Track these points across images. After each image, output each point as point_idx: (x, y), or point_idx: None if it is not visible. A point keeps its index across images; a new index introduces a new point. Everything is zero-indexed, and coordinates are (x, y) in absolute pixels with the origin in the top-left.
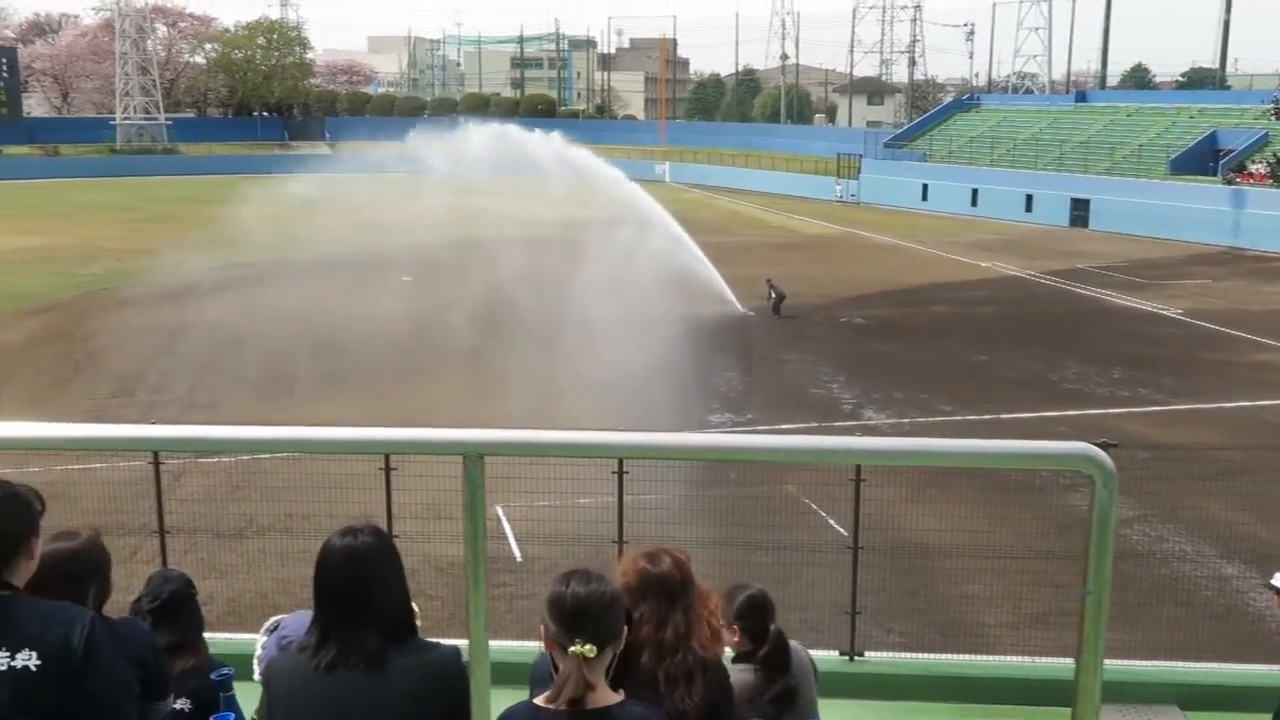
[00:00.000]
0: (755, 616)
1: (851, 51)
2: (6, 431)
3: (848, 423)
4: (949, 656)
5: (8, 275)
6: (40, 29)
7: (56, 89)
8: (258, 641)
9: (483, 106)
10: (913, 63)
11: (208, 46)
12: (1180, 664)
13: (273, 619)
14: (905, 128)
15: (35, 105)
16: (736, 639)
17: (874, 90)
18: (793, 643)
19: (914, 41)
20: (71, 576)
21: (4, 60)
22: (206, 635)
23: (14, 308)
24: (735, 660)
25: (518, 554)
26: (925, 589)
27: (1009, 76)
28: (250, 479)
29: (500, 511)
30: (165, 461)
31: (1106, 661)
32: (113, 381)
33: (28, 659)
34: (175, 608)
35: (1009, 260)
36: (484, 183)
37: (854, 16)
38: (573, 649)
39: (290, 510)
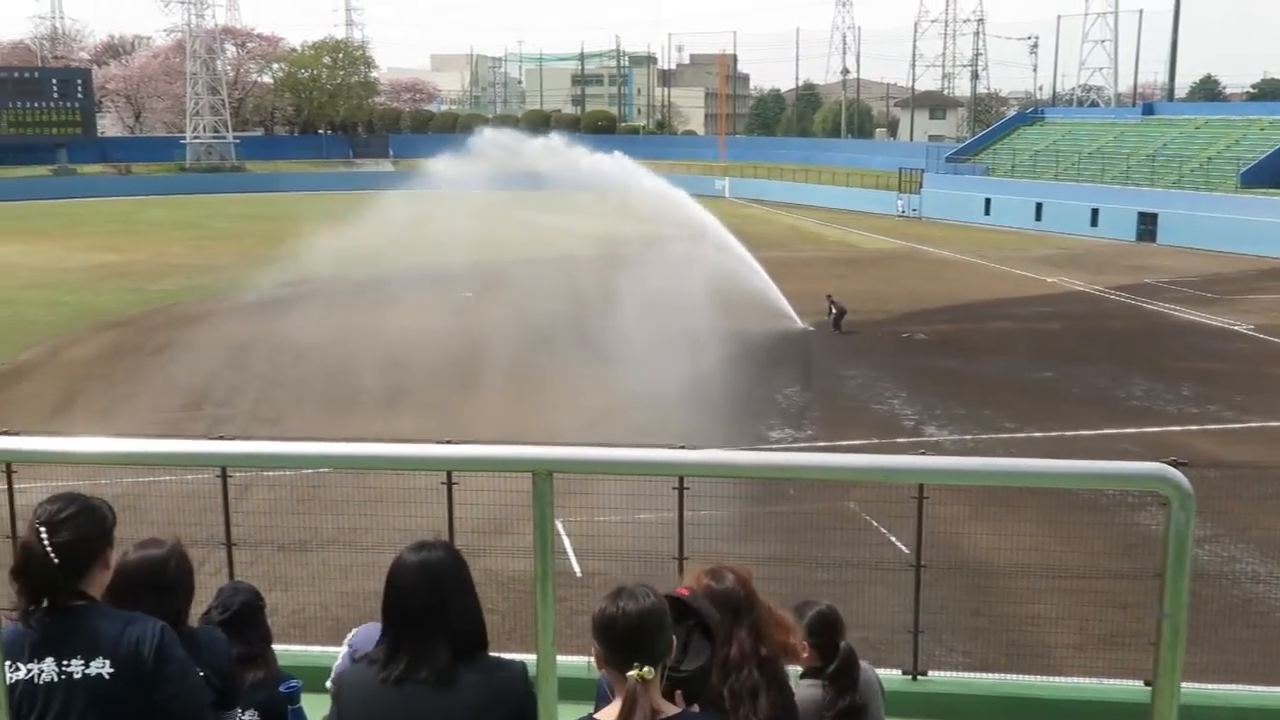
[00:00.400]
0: (825, 632)
1: (913, 65)
2: (80, 446)
3: (909, 439)
4: (1014, 677)
5: (82, 291)
6: (114, 51)
7: (129, 109)
8: (341, 653)
9: (544, 123)
10: (975, 76)
11: (275, 66)
12: (1252, 687)
13: (354, 630)
14: (968, 142)
15: (109, 125)
16: (806, 654)
17: (936, 104)
18: (860, 661)
19: (976, 55)
20: (159, 586)
21: (79, 81)
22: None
23: (88, 322)
24: (803, 676)
25: (578, 569)
26: (989, 608)
27: (1074, 89)
28: (314, 492)
29: (560, 526)
30: (232, 475)
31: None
32: (181, 395)
33: (101, 667)
34: (245, 619)
35: (1075, 275)
36: (538, 198)
37: (916, 30)
38: (632, 673)
39: (353, 524)
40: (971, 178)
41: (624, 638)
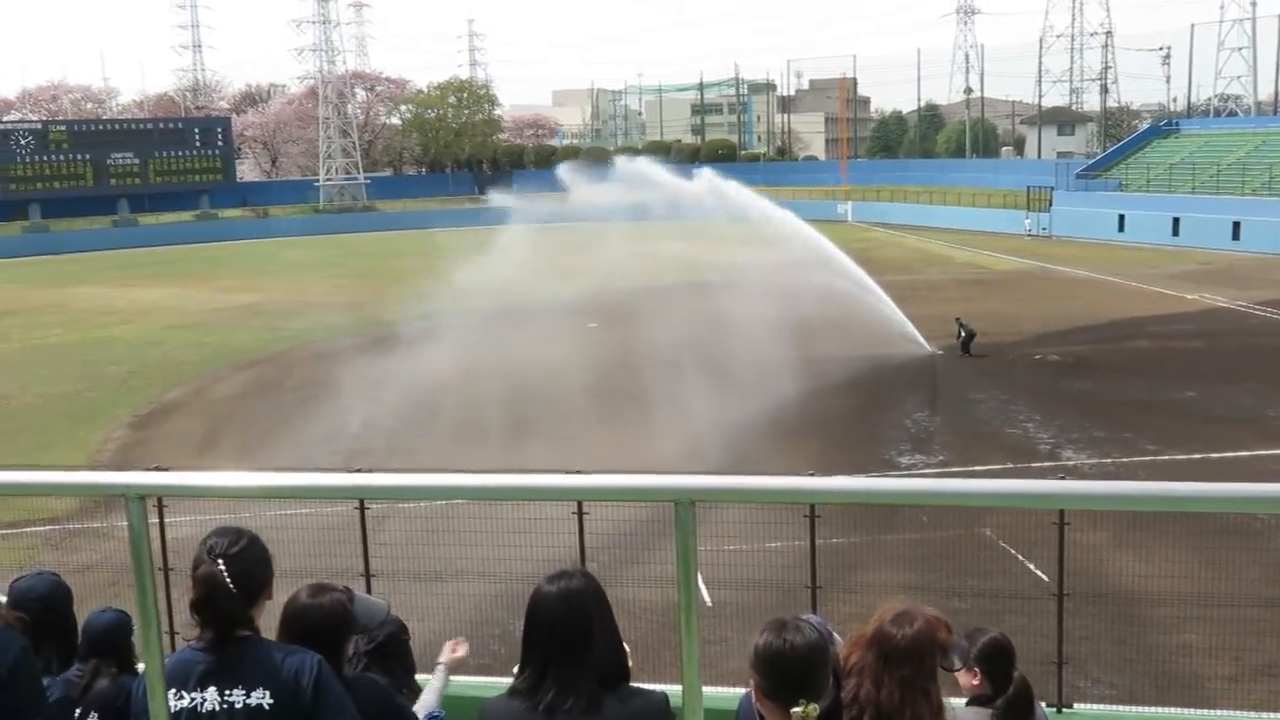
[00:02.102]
0: (999, 661)
1: (1039, 81)
2: (227, 481)
3: (1046, 463)
4: (1166, 710)
5: (224, 331)
6: (252, 99)
7: (266, 154)
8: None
9: (664, 154)
10: (1105, 90)
11: (403, 108)
12: None
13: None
14: (1099, 157)
15: (247, 170)
16: (976, 682)
17: (1064, 120)
18: None
19: (1105, 68)
20: (331, 634)
21: (220, 130)
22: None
23: (229, 361)
24: (971, 703)
25: (707, 598)
26: (1135, 638)
27: (1210, 99)
28: (446, 523)
29: None
30: (369, 506)
31: None
32: (319, 430)
33: (261, 697)
34: (389, 650)
35: (1216, 291)
36: (657, 228)
37: (1041, 46)
38: (796, 710)
39: (484, 554)
40: (1104, 194)
41: (791, 672)
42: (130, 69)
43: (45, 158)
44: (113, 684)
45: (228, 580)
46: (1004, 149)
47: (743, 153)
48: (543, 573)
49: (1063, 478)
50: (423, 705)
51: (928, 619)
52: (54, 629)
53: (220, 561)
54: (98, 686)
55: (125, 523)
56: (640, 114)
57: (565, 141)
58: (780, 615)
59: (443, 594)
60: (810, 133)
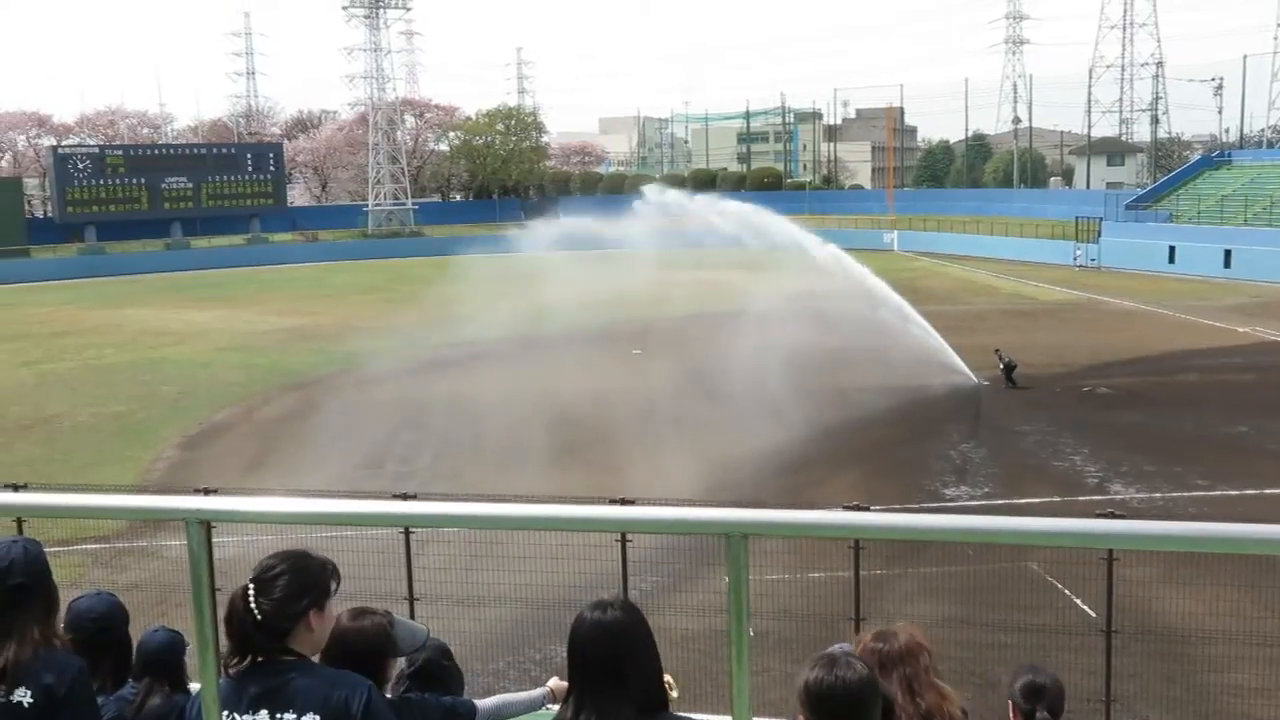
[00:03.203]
0: (1033, 701)
1: (1089, 112)
2: (274, 506)
3: (1094, 497)
4: None
5: (273, 353)
6: (303, 125)
7: (316, 179)
8: None
9: (710, 182)
10: (1155, 120)
11: (451, 134)
12: None
13: None
14: (1149, 188)
15: (298, 195)
16: None
17: (1113, 150)
18: None
19: (1156, 98)
20: (364, 657)
21: (271, 155)
22: None
23: (278, 383)
24: None
25: (750, 629)
26: (1185, 677)
27: (1263, 130)
28: (488, 547)
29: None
30: (413, 530)
31: None
32: (364, 453)
33: None
34: (429, 674)
35: (1270, 325)
36: (700, 256)
37: (1090, 76)
38: None
39: (526, 579)
40: (1154, 225)
41: (842, 709)
42: (186, 95)
43: (102, 181)
44: (165, 702)
45: (251, 606)
46: (1052, 179)
47: (788, 181)
48: (583, 598)
49: (1113, 514)
50: (482, 710)
51: (907, 630)
52: (110, 649)
53: (251, 587)
54: (150, 705)
55: (171, 543)
56: (687, 142)
57: (611, 169)
58: (829, 650)
59: (484, 618)
60: (856, 161)
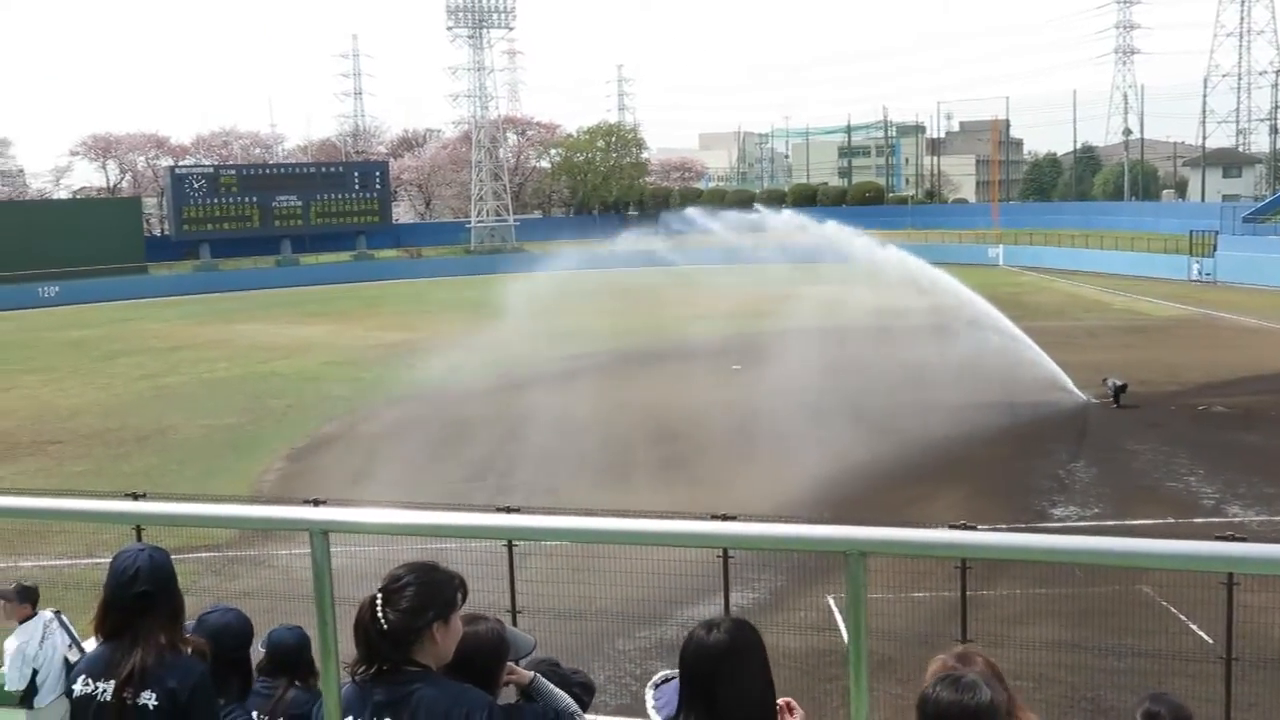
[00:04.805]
0: None
1: (1203, 123)
2: (387, 518)
3: (1210, 519)
4: None
5: (378, 367)
6: (408, 144)
7: (420, 197)
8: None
9: (810, 197)
10: (1274, 131)
11: (552, 151)
12: None
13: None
14: (1269, 200)
15: (403, 212)
16: None
17: (1230, 162)
18: None
19: (1275, 108)
20: (477, 662)
21: (378, 173)
22: None
23: (382, 397)
24: None
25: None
26: None
27: None
28: (588, 562)
29: (831, 602)
30: (516, 543)
31: None
32: (466, 466)
33: None
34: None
35: None
36: (793, 272)
37: (1205, 86)
38: None
39: (627, 594)
40: (1274, 238)
41: None
42: (296, 116)
43: (216, 200)
44: (304, 689)
45: (379, 616)
46: (1165, 192)
47: (890, 195)
48: (682, 614)
49: (1232, 537)
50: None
51: (979, 652)
52: (241, 665)
53: (379, 597)
54: (289, 697)
55: (280, 552)
56: (787, 157)
57: (711, 184)
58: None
59: (584, 631)
60: (960, 175)
